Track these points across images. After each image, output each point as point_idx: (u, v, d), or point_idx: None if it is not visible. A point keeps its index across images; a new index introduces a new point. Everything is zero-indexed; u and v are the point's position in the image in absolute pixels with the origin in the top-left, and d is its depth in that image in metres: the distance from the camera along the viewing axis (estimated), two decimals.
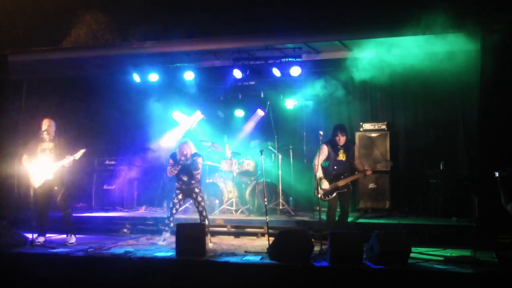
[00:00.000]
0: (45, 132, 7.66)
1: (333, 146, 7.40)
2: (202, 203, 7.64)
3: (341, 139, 7.36)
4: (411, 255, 6.12)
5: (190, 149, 7.60)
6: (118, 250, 7.13)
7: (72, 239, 7.66)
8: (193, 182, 7.61)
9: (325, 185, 7.31)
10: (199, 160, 7.65)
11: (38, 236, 7.62)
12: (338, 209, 7.47)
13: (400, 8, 7.22)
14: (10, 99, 9.47)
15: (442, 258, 6.33)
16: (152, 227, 8.90)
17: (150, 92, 10.53)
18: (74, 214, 8.10)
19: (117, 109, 11.05)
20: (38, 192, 7.65)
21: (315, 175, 7.29)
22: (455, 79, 8.74)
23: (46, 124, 7.69)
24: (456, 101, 9.34)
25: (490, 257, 6.33)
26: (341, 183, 7.29)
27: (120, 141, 11.42)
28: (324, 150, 7.41)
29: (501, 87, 7.08)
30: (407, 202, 9.30)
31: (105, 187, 10.73)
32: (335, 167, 7.38)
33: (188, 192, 7.66)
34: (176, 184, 7.70)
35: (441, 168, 8.79)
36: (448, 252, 6.66)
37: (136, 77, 10.05)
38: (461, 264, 5.99)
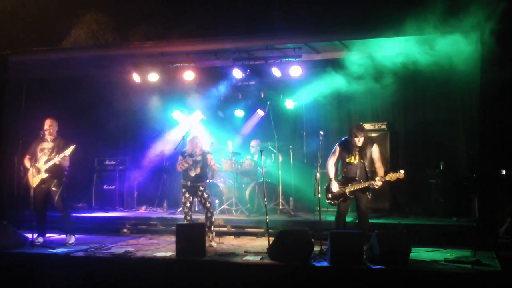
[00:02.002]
0: (47, 132, 7.66)
1: (347, 147, 6.91)
2: (209, 199, 7.71)
3: (358, 140, 6.75)
4: (411, 255, 6.11)
5: (202, 144, 7.73)
6: (118, 250, 7.13)
7: (72, 239, 7.65)
8: (200, 179, 7.66)
9: (335, 187, 6.91)
10: (211, 156, 7.77)
11: (38, 236, 7.61)
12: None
13: (400, 7, 7.22)
14: (10, 99, 9.47)
15: (442, 258, 6.32)
16: (152, 227, 8.92)
17: (150, 92, 10.53)
18: (74, 214, 8.10)
19: (117, 109, 11.03)
20: (36, 192, 7.64)
21: (316, 175, 7.13)
22: (455, 79, 8.74)
23: (48, 124, 7.69)
24: (456, 101, 9.34)
25: (490, 257, 6.32)
26: (349, 189, 6.86)
27: (120, 141, 11.43)
28: (336, 150, 7.01)
29: (501, 87, 7.07)
30: (407, 202, 9.30)
31: (105, 187, 10.75)
32: (345, 170, 6.95)
33: (193, 191, 7.67)
34: (183, 181, 7.72)
35: (441, 168, 8.78)
36: (448, 252, 6.65)
37: (136, 77, 10.05)
38: (461, 264, 5.99)
